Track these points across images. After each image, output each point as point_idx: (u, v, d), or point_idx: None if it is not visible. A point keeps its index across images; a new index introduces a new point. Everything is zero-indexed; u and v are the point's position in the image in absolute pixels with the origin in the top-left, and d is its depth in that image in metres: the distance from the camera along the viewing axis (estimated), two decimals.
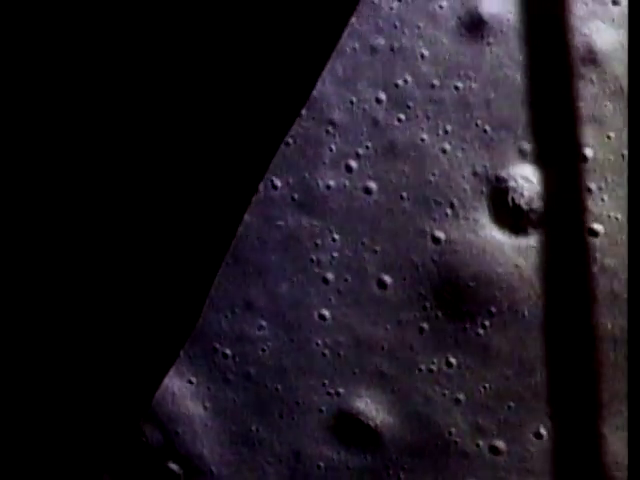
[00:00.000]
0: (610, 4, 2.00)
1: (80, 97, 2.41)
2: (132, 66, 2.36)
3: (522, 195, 2.03)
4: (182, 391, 2.17)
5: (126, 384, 2.22)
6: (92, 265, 2.41)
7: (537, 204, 2.02)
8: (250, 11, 2.19)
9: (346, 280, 2.09)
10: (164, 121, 2.31)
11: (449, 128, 2.07)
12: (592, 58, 2.03)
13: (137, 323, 2.21)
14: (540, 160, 2.03)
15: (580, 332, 2.03)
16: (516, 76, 2.04)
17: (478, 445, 2.06)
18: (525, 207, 2.03)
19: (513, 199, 2.04)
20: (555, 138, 2.02)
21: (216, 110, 2.17)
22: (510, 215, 2.04)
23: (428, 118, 2.08)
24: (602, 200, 2.03)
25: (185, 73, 2.31)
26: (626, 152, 2.01)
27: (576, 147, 2.03)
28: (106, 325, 2.24)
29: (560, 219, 2.02)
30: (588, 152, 2.03)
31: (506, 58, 2.05)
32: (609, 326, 2.02)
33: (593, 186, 2.03)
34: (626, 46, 1.99)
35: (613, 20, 2.02)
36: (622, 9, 2.00)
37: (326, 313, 2.11)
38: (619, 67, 2.01)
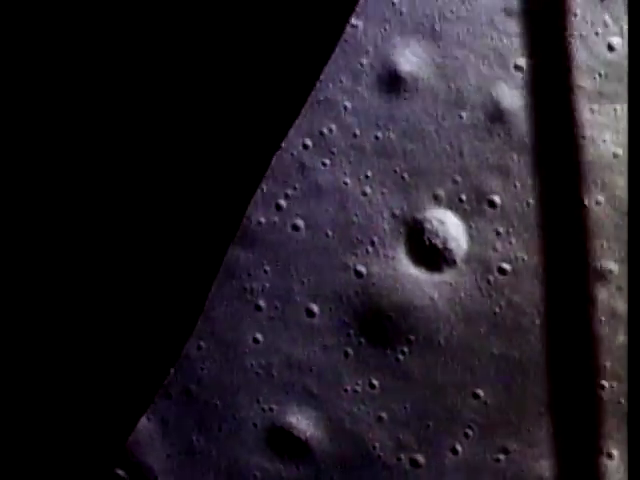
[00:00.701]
0: (512, 69, 2.15)
1: (80, 97, 2.44)
2: (132, 66, 2.41)
3: (437, 235, 2.23)
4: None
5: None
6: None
7: (450, 244, 2.22)
8: (249, 12, 2.33)
9: (277, 308, 2.31)
10: (158, 127, 2.40)
11: (369, 173, 2.25)
12: (499, 116, 2.19)
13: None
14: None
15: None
16: (430, 129, 2.21)
17: (399, 459, 2.31)
18: (440, 246, 2.23)
19: (429, 239, 2.23)
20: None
21: (213, 113, 2.36)
22: (426, 253, 2.24)
23: (350, 163, 2.26)
24: (509, 243, 2.22)
25: (180, 79, 2.39)
26: (531, 200, 2.20)
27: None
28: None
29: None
30: (496, 199, 2.22)
31: (421, 112, 2.21)
32: (516, 355, 2.25)
33: (501, 230, 2.22)
34: (529, 105, 2.15)
35: (516, 83, 2.17)
36: (524, 74, 2.16)
37: (259, 337, 2.33)
38: (523, 125, 2.17)
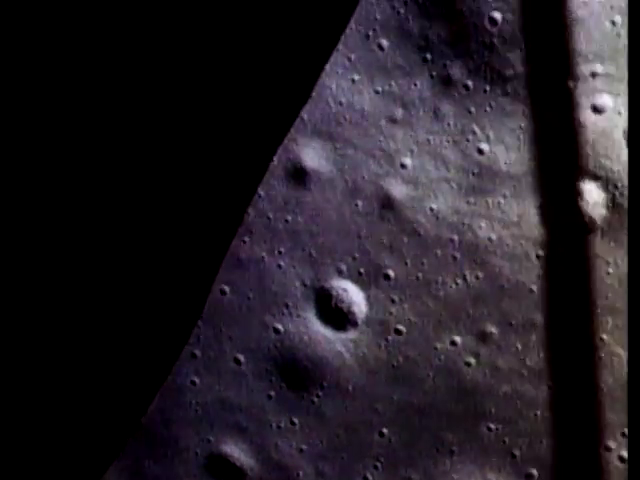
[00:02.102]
0: (399, 166, 2.53)
1: (80, 98, 2.48)
2: (132, 66, 2.47)
3: (341, 301, 2.65)
4: None
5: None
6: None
7: (353, 308, 2.64)
8: (248, 14, 2.43)
9: (209, 357, 2.76)
10: (155, 130, 2.52)
11: (282, 249, 2.66)
12: (389, 205, 2.57)
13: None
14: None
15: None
16: (332, 214, 2.60)
17: None
18: (344, 310, 2.65)
19: (335, 304, 2.66)
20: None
21: (210, 117, 2.53)
22: (333, 316, 2.66)
23: (265, 242, 2.67)
24: (403, 308, 2.64)
25: (176, 84, 2.49)
26: (421, 274, 2.60)
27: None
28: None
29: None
30: (391, 273, 2.62)
31: (324, 200, 2.59)
32: (414, 400, 2.69)
33: (396, 298, 2.63)
34: (417, 197, 2.53)
35: (402, 178, 2.55)
36: (409, 171, 2.53)
37: (196, 380, 2.79)
38: (411, 212, 2.56)
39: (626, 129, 2.33)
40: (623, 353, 2.45)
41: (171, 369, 2.65)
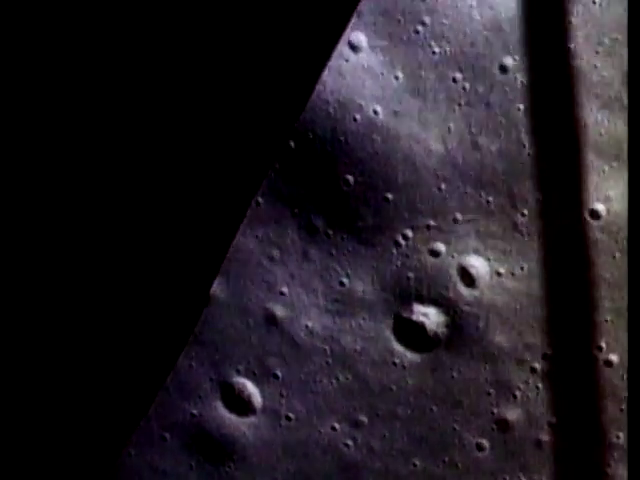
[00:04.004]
0: (279, 294, 3.20)
1: (80, 98, 2.48)
2: (132, 66, 2.49)
3: (242, 393, 3.34)
4: None
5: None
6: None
7: (252, 399, 3.33)
8: (247, 16, 2.51)
9: (143, 433, 3.47)
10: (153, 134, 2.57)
11: (193, 354, 3.35)
12: (274, 321, 3.25)
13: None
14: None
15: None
16: (230, 329, 3.28)
17: None
18: (245, 400, 3.35)
19: (237, 395, 3.35)
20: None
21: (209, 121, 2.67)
22: (237, 404, 3.36)
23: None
24: (291, 400, 3.32)
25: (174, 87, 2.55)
26: (302, 375, 3.29)
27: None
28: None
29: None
30: (279, 373, 3.30)
31: (224, 318, 3.28)
32: (306, 472, 3.41)
33: (284, 392, 3.32)
34: (294, 316, 3.20)
35: (283, 302, 3.22)
36: (286, 297, 3.20)
37: (132, 451, 3.52)
38: (291, 328, 3.23)
39: (458, 266, 2.95)
40: None
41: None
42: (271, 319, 3.04)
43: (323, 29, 2.56)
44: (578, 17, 2.67)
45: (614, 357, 2.88)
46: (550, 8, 2.55)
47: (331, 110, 2.85)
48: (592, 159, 2.76)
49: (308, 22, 2.55)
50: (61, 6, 2.35)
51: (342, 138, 2.86)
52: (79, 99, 2.45)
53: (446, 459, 3.04)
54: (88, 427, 3.01)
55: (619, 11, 2.67)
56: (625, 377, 2.90)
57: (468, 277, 2.91)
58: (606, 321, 2.86)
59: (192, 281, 2.85)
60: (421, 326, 2.97)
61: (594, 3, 2.70)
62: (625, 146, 2.72)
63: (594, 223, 2.85)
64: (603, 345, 2.88)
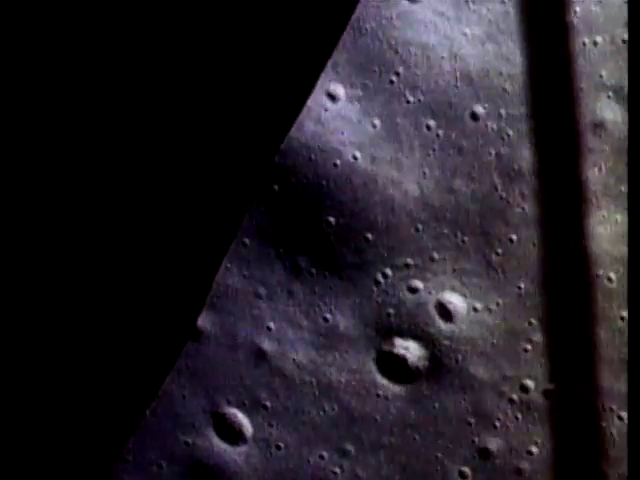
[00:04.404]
0: (266, 329, 3.35)
1: (80, 98, 2.48)
2: (132, 66, 2.50)
3: (233, 423, 3.50)
4: None
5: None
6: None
7: (243, 429, 3.49)
8: (247, 18, 2.52)
9: (138, 461, 3.63)
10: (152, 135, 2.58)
11: (186, 385, 3.51)
12: (262, 355, 3.40)
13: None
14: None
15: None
16: (220, 362, 3.44)
17: None
18: (236, 429, 3.50)
19: (229, 425, 3.51)
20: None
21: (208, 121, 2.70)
22: (227, 433, 3.52)
23: (174, 381, 3.52)
24: (280, 430, 3.47)
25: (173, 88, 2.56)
26: (291, 406, 3.45)
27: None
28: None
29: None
30: (268, 404, 3.46)
31: (214, 354, 3.44)
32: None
33: (274, 422, 3.47)
34: (282, 350, 3.36)
35: (270, 336, 3.38)
36: (274, 332, 3.36)
37: (125, 478, 3.67)
38: (279, 361, 3.39)
39: (436, 302, 3.10)
40: None
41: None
42: (260, 353, 3.20)
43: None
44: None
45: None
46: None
47: (313, 156, 3.01)
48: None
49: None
50: (61, 6, 2.34)
51: (324, 182, 3.01)
52: (79, 102, 2.44)
53: None
54: (81, 453, 3.12)
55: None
56: (604, 405, 3.03)
57: (446, 313, 3.05)
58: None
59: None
60: (402, 359, 3.12)
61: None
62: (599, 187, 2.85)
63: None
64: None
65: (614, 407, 2.98)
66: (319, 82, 2.85)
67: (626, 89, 2.68)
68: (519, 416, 3.11)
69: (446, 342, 3.07)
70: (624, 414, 2.97)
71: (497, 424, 3.12)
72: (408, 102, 2.87)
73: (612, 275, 2.94)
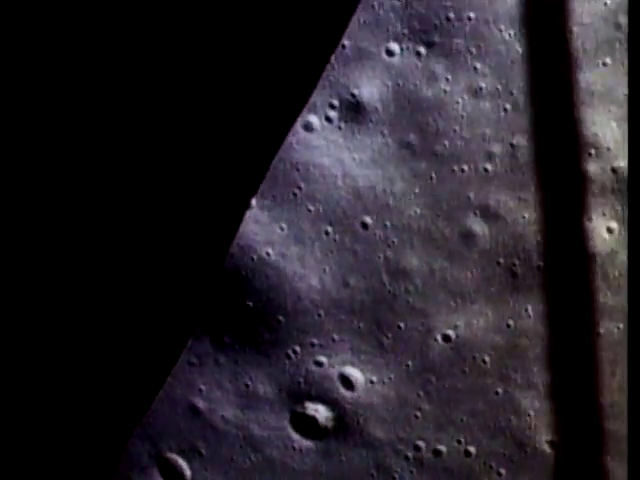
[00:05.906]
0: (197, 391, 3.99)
1: (80, 99, 2.47)
2: (132, 67, 2.50)
3: (174, 467, 4.16)
4: None
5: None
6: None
7: (185, 472, 4.15)
8: (246, 18, 2.58)
9: None
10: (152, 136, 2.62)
11: (135, 434, 4.17)
12: (196, 411, 4.05)
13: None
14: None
15: None
16: (165, 411, 4.09)
17: None
18: (179, 472, 4.16)
19: (173, 468, 4.17)
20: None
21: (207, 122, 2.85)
22: (171, 476, 4.18)
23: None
24: (222, 475, 4.12)
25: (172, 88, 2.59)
26: (272, 421, 4.08)
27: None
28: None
29: None
30: (204, 452, 4.11)
31: (157, 404, 4.09)
32: None
33: (208, 469, 4.12)
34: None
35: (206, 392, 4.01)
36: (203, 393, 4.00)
37: None
38: (210, 416, 4.03)
39: (339, 375, 3.72)
40: None
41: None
42: (194, 409, 3.75)
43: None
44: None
45: (472, 448, 3.60)
46: None
47: (234, 251, 3.63)
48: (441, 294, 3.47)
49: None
50: (61, 6, 2.29)
51: (244, 273, 3.62)
52: (79, 102, 2.42)
53: None
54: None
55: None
56: (485, 462, 3.60)
57: (348, 383, 3.65)
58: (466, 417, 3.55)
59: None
60: (313, 419, 3.73)
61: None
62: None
63: (446, 345, 3.58)
64: (462, 439, 3.60)
65: (493, 464, 3.56)
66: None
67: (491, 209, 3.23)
68: (414, 471, 3.70)
69: (349, 406, 3.65)
70: (503, 470, 3.53)
71: (396, 477, 3.71)
72: (309, 211, 3.46)
73: (486, 358, 3.50)
